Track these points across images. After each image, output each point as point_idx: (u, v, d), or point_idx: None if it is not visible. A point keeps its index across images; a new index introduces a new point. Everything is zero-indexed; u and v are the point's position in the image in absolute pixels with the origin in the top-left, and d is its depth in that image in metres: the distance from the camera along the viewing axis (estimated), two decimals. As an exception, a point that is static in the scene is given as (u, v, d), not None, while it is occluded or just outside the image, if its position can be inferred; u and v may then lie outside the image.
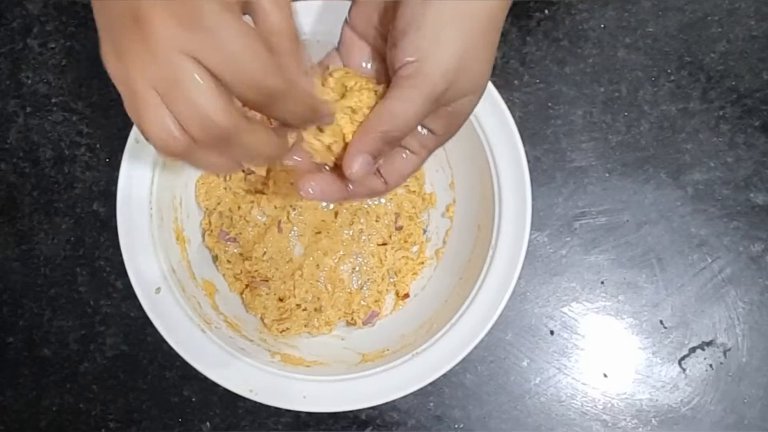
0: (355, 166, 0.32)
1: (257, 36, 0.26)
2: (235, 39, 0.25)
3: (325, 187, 0.35)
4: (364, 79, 0.35)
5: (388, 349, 0.48)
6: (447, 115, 0.34)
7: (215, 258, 0.53)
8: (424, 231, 0.54)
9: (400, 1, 0.32)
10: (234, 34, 0.25)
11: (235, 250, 0.52)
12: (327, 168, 0.36)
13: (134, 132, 0.46)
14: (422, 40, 0.31)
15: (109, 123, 0.56)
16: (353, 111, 0.34)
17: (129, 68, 0.26)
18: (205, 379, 0.44)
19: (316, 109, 0.31)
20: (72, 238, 0.55)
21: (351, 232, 0.52)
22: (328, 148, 0.34)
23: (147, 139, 0.27)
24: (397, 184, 0.36)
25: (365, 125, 0.33)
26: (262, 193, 0.52)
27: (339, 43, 0.37)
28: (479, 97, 0.34)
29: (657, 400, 0.54)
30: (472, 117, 0.47)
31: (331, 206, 0.52)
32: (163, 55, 0.25)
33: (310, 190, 0.35)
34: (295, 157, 0.35)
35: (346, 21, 0.36)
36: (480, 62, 0.32)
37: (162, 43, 0.25)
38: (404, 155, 0.35)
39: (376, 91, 0.34)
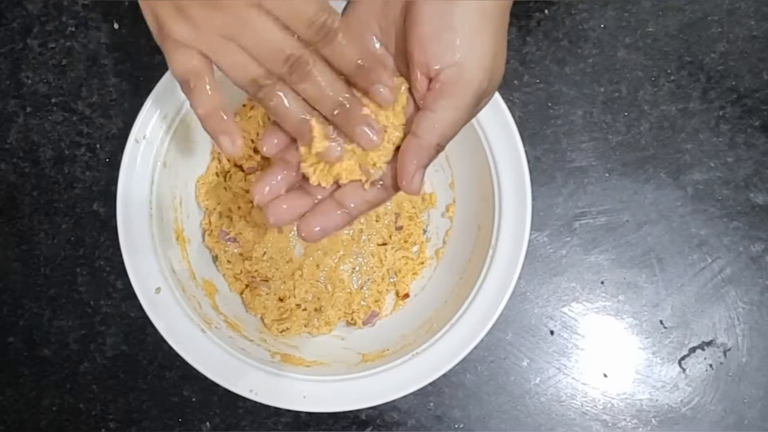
0: (417, 183, 0.33)
1: None
2: None
3: (328, 222, 0.35)
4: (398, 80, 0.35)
5: (388, 349, 0.48)
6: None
7: (215, 258, 0.53)
8: (424, 231, 0.54)
9: (414, 4, 0.32)
10: None
11: (235, 250, 0.52)
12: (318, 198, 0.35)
13: (134, 132, 0.46)
14: (459, 44, 0.31)
15: (109, 123, 0.56)
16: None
17: (201, 27, 0.31)
18: (205, 379, 0.44)
19: (369, 56, 0.33)
20: (72, 238, 0.55)
21: (351, 232, 0.52)
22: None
23: (230, 77, 0.32)
24: (398, 191, 0.36)
25: (417, 141, 0.33)
26: (262, 193, 0.52)
27: None
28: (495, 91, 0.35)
29: (657, 400, 0.54)
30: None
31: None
32: (232, 8, 0.30)
33: (316, 229, 0.35)
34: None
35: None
36: (503, 55, 0.34)
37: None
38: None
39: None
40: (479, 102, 0.33)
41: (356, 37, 0.34)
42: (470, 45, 0.32)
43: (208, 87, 0.33)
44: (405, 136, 0.34)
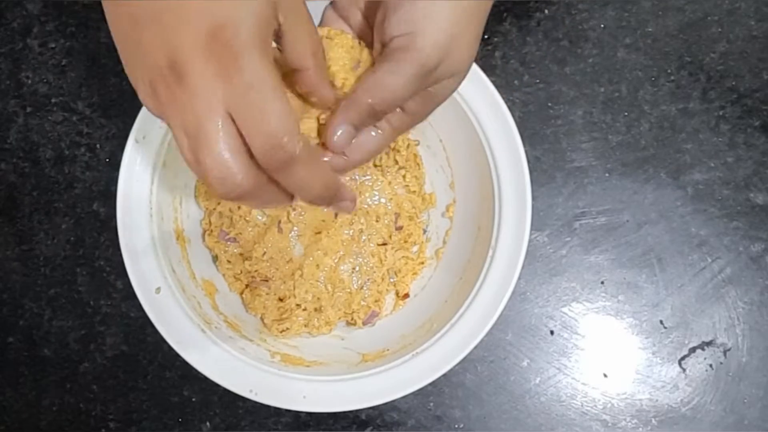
0: (338, 134, 0.32)
1: (288, 102, 0.27)
2: (270, 102, 0.26)
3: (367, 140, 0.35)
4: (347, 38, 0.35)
5: (388, 349, 0.48)
6: (426, 96, 0.34)
7: (215, 258, 0.53)
8: (424, 231, 0.54)
9: None
10: (270, 97, 0.26)
11: (235, 250, 0.52)
12: None
13: (134, 132, 0.46)
14: (414, 14, 0.31)
15: (109, 123, 0.56)
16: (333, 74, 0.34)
17: (166, 111, 0.28)
18: (205, 379, 0.44)
19: (333, 187, 0.31)
20: (72, 238, 0.55)
21: (351, 232, 0.52)
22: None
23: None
24: (360, 162, 0.35)
25: (352, 96, 0.32)
26: (262, 193, 0.52)
27: (320, 23, 0.37)
28: (459, 82, 0.34)
29: (657, 400, 0.54)
30: (472, 117, 0.47)
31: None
32: (197, 106, 0.26)
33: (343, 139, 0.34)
34: None
35: (330, 2, 0.36)
36: (468, 42, 0.33)
37: (199, 94, 0.26)
38: (373, 133, 0.35)
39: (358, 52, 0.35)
40: (426, 77, 0.32)
41: (343, 16, 0.34)
42: (425, 19, 0.31)
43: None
44: None
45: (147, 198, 0.46)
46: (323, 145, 0.34)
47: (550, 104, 0.56)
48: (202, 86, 0.26)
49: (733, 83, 0.56)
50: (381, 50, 0.33)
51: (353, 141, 0.34)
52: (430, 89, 0.33)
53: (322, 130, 0.34)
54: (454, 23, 0.31)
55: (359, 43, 0.35)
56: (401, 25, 0.31)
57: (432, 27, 0.31)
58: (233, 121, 0.27)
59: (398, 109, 0.34)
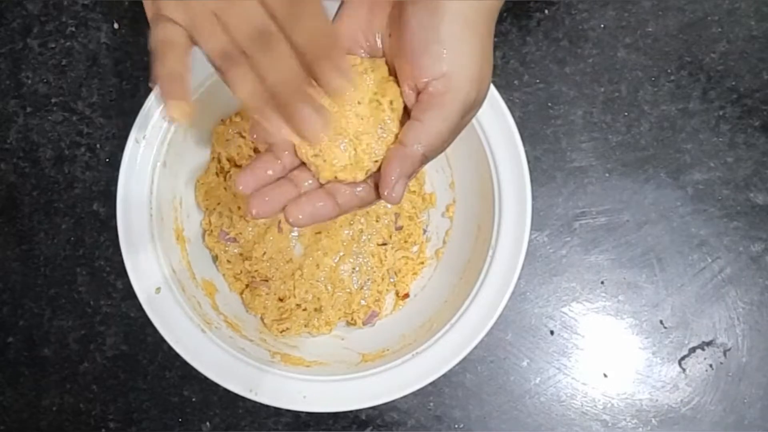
0: (398, 192, 0.33)
1: None
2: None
3: (314, 210, 0.34)
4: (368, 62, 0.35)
5: (388, 349, 0.48)
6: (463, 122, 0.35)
7: (215, 258, 0.53)
8: (424, 231, 0.54)
9: (400, 18, 0.32)
10: None
11: (235, 250, 0.52)
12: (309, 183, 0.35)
13: (134, 132, 0.46)
14: (446, 57, 0.32)
15: (109, 123, 0.56)
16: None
17: (191, 4, 0.31)
18: (205, 379, 0.44)
19: (329, 34, 0.32)
20: (72, 238, 0.55)
21: (351, 232, 0.52)
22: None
23: (202, 46, 0.32)
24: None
25: (404, 149, 0.33)
26: (262, 193, 0.52)
27: None
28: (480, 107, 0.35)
29: (657, 400, 0.54)
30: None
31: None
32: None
33: (300, 216, 0.34)
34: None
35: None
36: (491, 68, 0.34)
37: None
38: None
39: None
40: (467, 113, 0.33)
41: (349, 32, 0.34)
42: (457, 57, 0.32)
43: (176, 54, 0.33)
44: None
45: (147, 198, 0.46)
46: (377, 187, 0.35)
47: (550, 104, 0.56)
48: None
49: (733, 83, 0.56)
50: (415, 96, 0.33)
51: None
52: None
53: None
54: (479, 54, 0.32)
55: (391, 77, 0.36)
56: (432, 68, 0.32)
57: (464, 64, 0.32)
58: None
59: None
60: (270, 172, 0.35)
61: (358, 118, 0.35)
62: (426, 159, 0.33)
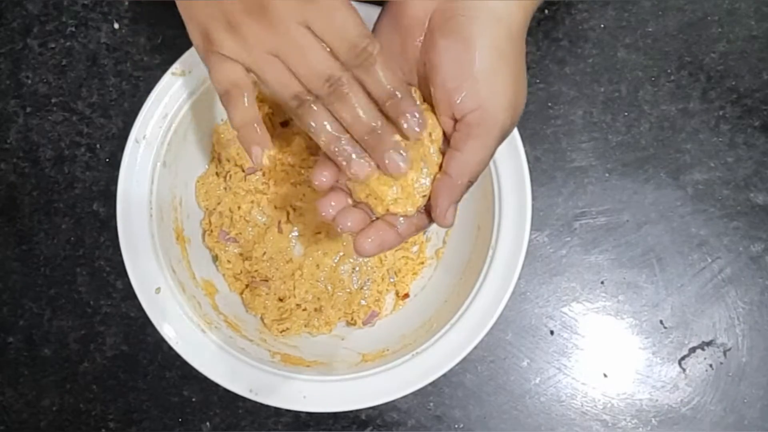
0: (450, 218, 0.35)
1: (354, 8, 0.33)
2: (339, 9, 0.32)
3: (383, 239, 0.36)
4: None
5: (388, 349, 0.48)
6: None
7: (215, 258, 0.53)
8: (424, 231, 0.54)
9: (435, 53, 0.34)
10: (339, 5, 0.32)
11: (235, 250, 0.52)
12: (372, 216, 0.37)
13: (134, 132, 0.46)
14: (480, 92, 0.33)
15: (109, 123, 0.56)
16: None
17: (250, 43, 0.33)
18: (205, 379, 0.44)
19: (400, 81, 0.34)
20: (72, 238, 0.55)
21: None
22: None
23: (272, 91, 0.34)
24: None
25: (450, 179, 0.35)
26: (262, 193, 0.52)
27: None
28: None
29: (657, 400, 0.54)
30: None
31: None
32: (284, 25, 0.32)
33: (367, 246, 0.36)
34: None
35: None
36: (525, 90, 0.35)
37: (282, 15, 0.32)
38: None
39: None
40: (504, 138, 0.35)
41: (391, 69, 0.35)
42: (491, 90, 0.33)
43: (246, 99, 0.34)
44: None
45: (147, 198, 0.46)
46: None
47: (550, 104, 0.56)
48: (283, 7, 0.32)
49: (733, 83, 0.56)
50: (453, 125, 0.35)
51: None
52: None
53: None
54: (512, 83, 0.34)
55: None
56: (470, 102, 0.33)
57: (499, 95, 0.33)
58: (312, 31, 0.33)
59: None
60: (348, 201, 0.38)
61: None
62: (471, 184, 0.35)
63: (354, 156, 0.35)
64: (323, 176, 0.36)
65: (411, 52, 0.36)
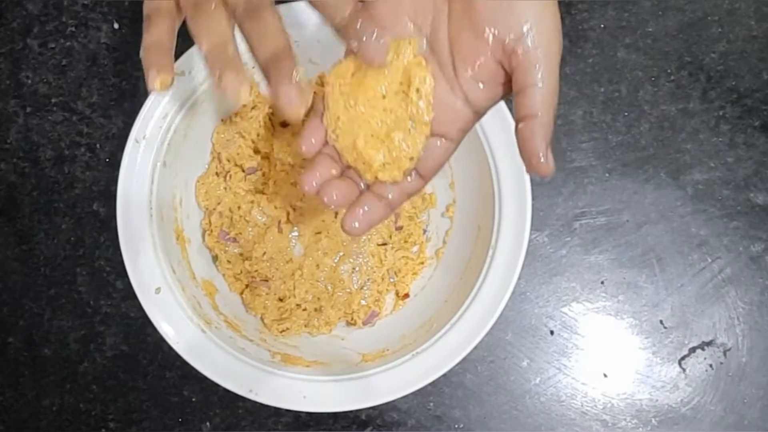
0: (552, 162, 0.33)
1: None
2: None
3: (371, 216, 0.35)
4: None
5: (388, 349, 0.48)
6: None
7: (215, 258, 0.53)
8: (424, 231, 0.54)
9: None
10: None
11: (235, 250, 0.52)
12: (362, 187, 0.36)
13: (134, 132, 0.46)
14: (529, 12, 0.31)
15: (109, 123, 0.56)
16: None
17: None
18: (205, 379, 0.44)
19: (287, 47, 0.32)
20: (72, 238, 0.55)
21: (351, 232, 0.52)
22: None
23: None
24: (433, 176, 0.36)
25: (537, 117, 0.32)
26: (262, 193, 0.52)
27: None
28: None
29: (657, 400, 0.54)
30: (472, 117, 0.47)
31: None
32: None
33: (356, 225, 0.35)
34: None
35: None
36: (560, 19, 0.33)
37: None
38: (438, 143, 0.35)
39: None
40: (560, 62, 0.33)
41: (390, 16, 0.33)
42: (537, 11, 0.31)
43: (162, 24, 0.33)
44: (431, 130, 0.34)
45: (147, 198, 0.46)
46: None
47: (550, 104, 0.56)
48: None
49: (733, 83, 0.56)
50: (500, 67, 0.33)
51: (426, 157, 0.35)
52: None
53: None
54: (552, 4, 0.32)
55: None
56: (519, 24, 0.31)
57: (543, 11, 0.32)
58: None
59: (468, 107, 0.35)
60: (333, 171, 0.36)
61: (386, 112, 0.34)
62: (555, 119, 0.33)
63: (232, 72, 0.32)
64: (312, 141, 0.35)
65: (424, 2, 0.34)
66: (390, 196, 0.35)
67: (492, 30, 0.32)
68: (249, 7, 0.32)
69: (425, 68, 0.34)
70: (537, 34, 0.31)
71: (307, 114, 0.34)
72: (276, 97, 0.31)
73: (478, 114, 0.35)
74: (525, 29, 0.31)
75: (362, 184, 0.36)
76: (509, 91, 0.34)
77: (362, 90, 0.34)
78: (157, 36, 0.34)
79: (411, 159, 0.34)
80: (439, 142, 0.35)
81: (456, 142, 0.35)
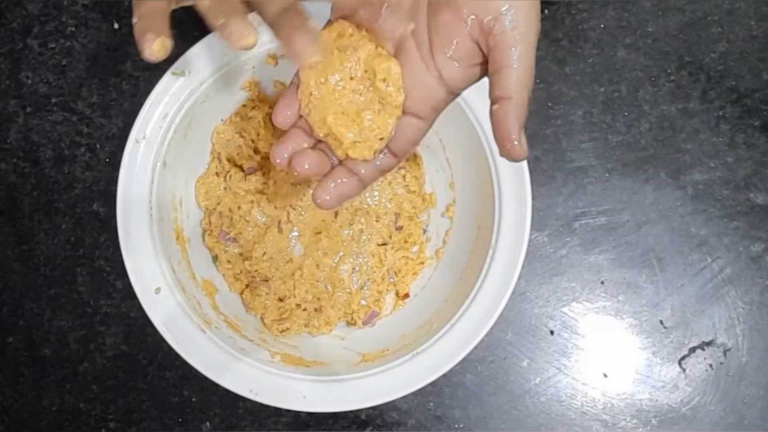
0: (525, 145, 0.32)
1: None
2: None
3: (342, 190, 0.35)
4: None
5: (388, 349, 0.48)
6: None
7: (215, 258, 0.53)
8: (424, 231, 0.54)
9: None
10: None
11: (235, 250, 0.52)
12: (335, 162, 0.36)
13: (134, 132, 0.46)
14: None
15: (109, 123, 0.56)
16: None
17: None
18: (205, 379, 0.44)
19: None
20: (72, 238, 0.55)
21: (351, 232, 0.52)
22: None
23: None
24: (407, 154, 0.36)
25: (511, 99, 0.32)
26: (262, 193, 0.52)
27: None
28: None
29: (657, 400, 0.54)
30: (472, 117, 0.47)
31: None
32: None
33: (327, 198, 0.35)
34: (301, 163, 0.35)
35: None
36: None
37: None
38: (411, 122, 0.35)
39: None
40: (536, 43, 0.32)
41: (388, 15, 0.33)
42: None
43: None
44: (403, 110, 0.34)
45: (147, 198, 0.46)
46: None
47: (550, 104, 0.56)
48: None
49: (733, 83, 0.56)
50: (478, 46, 0.33)
51: (399, 136, 0.35)
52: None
53: None
54: None
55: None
56: (495, 3, 0.31)
57: None
58: None
59: (442, 86, 0.35)
60: (305, 144, 0.36)
61: (356, 94, 0.35)
62: (530, 102, 0.32)
63: (238, 17, 0.30)
64: (288, 113, 0.35)
65: None
66: (363, 172, 0.35)
67: (471, 9, 0.32)
68: None
69: (387, 58, 0.34)
70: (515, 15, 0.31)
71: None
72: (289, 46, 0.30)
73: (453, 94, 0.35)
74: (503, 9, 0.31)
75: (335, 159, 0.36)
76: (485, 72, 0.34)
77: (331, 70, 0.35)
78: (151, 6, 0.32)
79: (381, 139, 0.35)
80: (412, 121, 0.35)
81: (429, 121, 0.35)
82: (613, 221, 0.55)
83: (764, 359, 0.54)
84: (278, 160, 0.35)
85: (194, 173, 0.52)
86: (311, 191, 0.51)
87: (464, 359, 0.45)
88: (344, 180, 0.35)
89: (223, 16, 0.31)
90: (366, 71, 0.34)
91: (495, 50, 0.32)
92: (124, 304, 0.54)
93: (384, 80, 0.34)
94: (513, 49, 0.31)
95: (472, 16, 0.32)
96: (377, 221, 0.53)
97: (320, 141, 0.36)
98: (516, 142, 0.32)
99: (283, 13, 0.31)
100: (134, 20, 0.32)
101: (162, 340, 0.44)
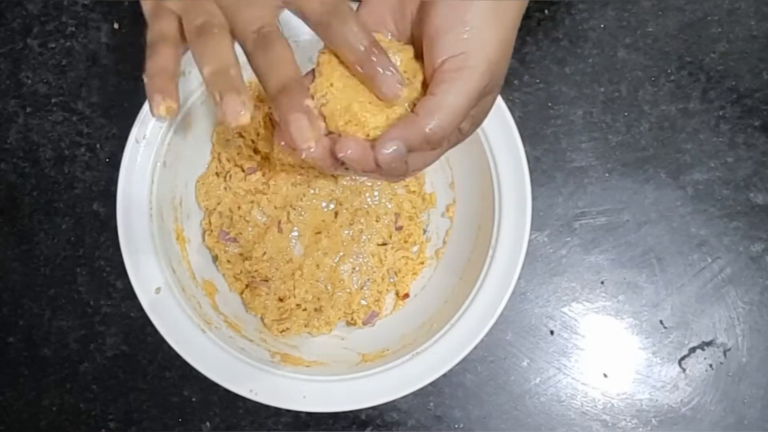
0: (387, 153, 0.32)
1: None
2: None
3: (360, 155, 0.33)
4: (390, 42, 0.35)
5: (388, 349, 0.48)
6: (475, 111, 0.34)
7: (215, 258, 0.53)
8: (424, 231, 0.54)
9: (428, 2, 0.33)
10: None
11: (235, 250, 0.52)
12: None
13: (134, 132, 0.46)
14: (467, 37, 0.32)
15: (109, 123, 0.56)
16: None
17: None
18: (205, 379, 0.44)
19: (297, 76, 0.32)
20: (72, 238, 0.55)
21: (351, 232, 0.52)
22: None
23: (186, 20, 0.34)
24: (416, 172, 0.36)
25: (413, 116, 0.32)
26: (262, 193, 0.52)
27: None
28: (497, 96, 0.35)
29: (657, 400, 0.54)
30: (472, 117, 0.47)
31: (332, 206, 0.52)
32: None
33: (349, 151, 0.33)
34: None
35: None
36: (508, 61, 0.34)
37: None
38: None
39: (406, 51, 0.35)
40: (482, 96, 0.33)
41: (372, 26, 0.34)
42: (478, 38, 0.32)
43: (167, 51, 0.33)
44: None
45: (147, 198, 0.46)
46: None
47: (550, 104, 0.56)
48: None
49: (733, 83, 0.56)
50: (431, 74, 0.33)
51: (417, 152, 0.34)
52: (477, 106, 0.34)
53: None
54: (500, 40, 0.32)
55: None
56: (452, 46, 0.32)
57: (485, 47, 0.32)
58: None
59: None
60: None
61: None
62: (433, 137, 0.32)
63: (234, 93, 0.31)
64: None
65: (408, 11, 0.35)
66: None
67: (433, 44, 0.32)
68: (260, 37, 0.32)
69: (420, 81, 0.34)
70: (465, 57, 0.32)
71: None
72: (286, 124, 0.31)
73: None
74: (457, 51, 0.32)
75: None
76: None
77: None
78: (162, 63, 0.33)
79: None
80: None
81: (443, 150, 0.36)
82: (613, 221, 0.55)
83: (764, 359, 0.54)
84: (282, 143, 0.35)
85: (194, 173, 0.52)
86: (311, 191, 0.52)
87: (464, 359, 0.45)
88: (366, 151, 0.34)
89: (220, 90, 0.31)
90: (405, 72, 0.34)
91: (433, 79, 0.33)
92: (124, 304, 0.54)
93: (423, 82, 0.34)
94: (443, 84, 0.32)
95: (433, 49, 0.33)
96: (377, 221, 0.53)
97: (330, 133, 0.35)
98: (380, 145, 0.32)
99: (284, 89, 0.31)
100: (144, 79, 0.33)
101: (162, 340, 0.44)
